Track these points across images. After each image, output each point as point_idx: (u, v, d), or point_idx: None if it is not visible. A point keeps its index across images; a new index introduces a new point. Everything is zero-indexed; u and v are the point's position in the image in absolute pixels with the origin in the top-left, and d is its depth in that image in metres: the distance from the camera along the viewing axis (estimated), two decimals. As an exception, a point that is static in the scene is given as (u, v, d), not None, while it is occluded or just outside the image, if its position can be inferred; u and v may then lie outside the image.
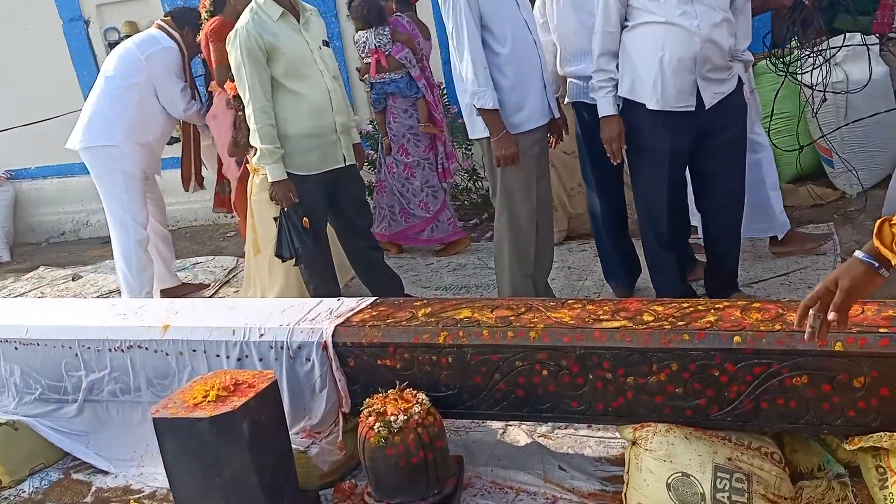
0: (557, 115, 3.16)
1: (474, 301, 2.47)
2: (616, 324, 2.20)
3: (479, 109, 2.95)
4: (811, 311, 1.51)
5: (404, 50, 4.24)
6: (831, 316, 1.46)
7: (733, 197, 3.14)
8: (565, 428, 2.61)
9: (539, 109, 3.02)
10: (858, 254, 1.49)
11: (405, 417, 2.12)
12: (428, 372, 2.32)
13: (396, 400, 2.19)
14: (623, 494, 2.16)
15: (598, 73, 3.02)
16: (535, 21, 3.18)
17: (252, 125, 2.99)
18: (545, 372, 2.22)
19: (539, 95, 3.00)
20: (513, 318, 2.32)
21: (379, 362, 2.34)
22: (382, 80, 4.31)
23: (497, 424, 2.67)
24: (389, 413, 2.14)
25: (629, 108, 3.00)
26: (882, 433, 1.96)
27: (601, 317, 2.26)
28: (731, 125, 3.00)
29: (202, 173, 4.38)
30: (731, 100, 2.97)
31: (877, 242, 1.46)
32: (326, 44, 3.22)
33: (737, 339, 2.05)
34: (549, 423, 2.60)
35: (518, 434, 2.61)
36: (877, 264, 1.47)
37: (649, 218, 3.14)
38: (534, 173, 3.08)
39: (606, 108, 3.01)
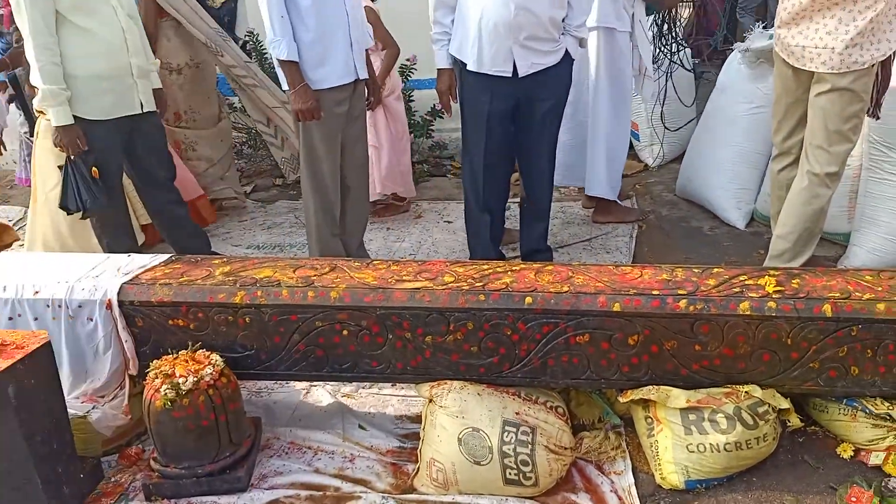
0: (364, 76, 3.07)
1: (277, 260, 2.40)
2: (417, 284, 2.22)
3: (277, 60, 2.84)
4: None
5: None
6: None
7: (543, 168, 3.24)
8: (369, 387, 2.62)
9: (343, 67, 2.93)
10: None
11: (195, 379, 2.03)
12: (224, 332, 2.23)
13: (187, 361, 2.09)
14: (419, 450, 2.20)
15: (434, 25, 3.08)
16: None
17: (33, 63, 2.68)
18: (345, 332, 2.20)
19: (343, 52, 2.91)
20: (315, 278, 2.27)
21: (170, 322, 2.22)
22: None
23: (301, 385, 2.63)
24: (178, 375, 2.03)
25: (459, 67, 3.06)
26: (650, 387, 2.13)
27: (404, 277, 2.27)
28: (548, 97, 3.07)
29: None
30: (552, 72, 3.02)
31: None
32: None
33: (528, 299, 2.14)
34: (354, 383, 2.60)
35: (321, 394, 2.59)
36: None
37: (471, 178, 3.19)
38: (339, 133, 3.01)
39: (441, 60, 3.10)
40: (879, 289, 2.11)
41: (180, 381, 2.02)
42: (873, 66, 2.63)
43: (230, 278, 2.27)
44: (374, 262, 2.39)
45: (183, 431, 2.04)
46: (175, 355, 2.12)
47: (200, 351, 2.15)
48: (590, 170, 3.83)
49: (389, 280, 2.25)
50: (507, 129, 3.10)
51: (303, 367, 2.25)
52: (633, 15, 3.63)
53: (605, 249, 3.64)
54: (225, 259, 2.45)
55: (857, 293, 2.08)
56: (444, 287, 2.20)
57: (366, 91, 3.19)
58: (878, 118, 2.85)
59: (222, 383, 2.11)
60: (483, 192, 3.14)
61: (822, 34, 2.65)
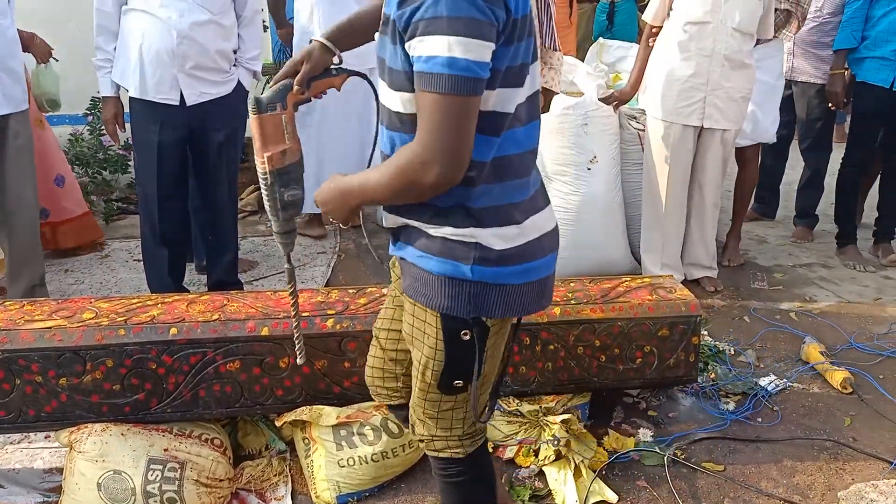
0: (7, 111, 2.84)
1: None
2: (49, 323, 2.07)
3: None
4: (281, 83, 1.51)
5: None
6: (295, 88, 1.49)
7: (223, 198, 3.20)
8: (18, 442, 2.39)
9: None
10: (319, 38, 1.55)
11: None
12: None
13: None
14: (59, 503, 2.03)
15: (97, 52, 2.96)
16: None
17: None
18: (-37, 381, 1.99)
19: None
20: (-73, 323, 2.03)
21: None
22: None
23: (-68, 448, 2.32)
24: None
25: (125, 93, 2.97)
26: (304, 407, 2.17)
27: (35, 317, 2.10)
28: (221, 128, 3.05)
29: None
30: (224, 103, 3.02)
31: None
32: None
33: (173, 330, 2.09)
34: (0, 438, 2.36)
35: (-45, 455, 2.30)
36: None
37: (145, 210, 3.07)
38: None
39: (105, 88, 2.99)
40: (505, 297, 2.34)
41: None
42: None
43: None
44: (5, 303, 2.19)
45: None
46: None
47: None
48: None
49: (18, 321, 2.07)
50: (181, 159, 3.03)
51: (-87, 424, 2.00)
52: None
53: (301, 280, 3.67)
54: None
55: (485, 303, 2.29)
56: (80, 324, 2.07)
57: (29, 126, 2.96)
58: None
59: None
60: (159, 225, 3.03)
61: None
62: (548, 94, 3.09)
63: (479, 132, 1.28)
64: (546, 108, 3.17)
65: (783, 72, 3.96)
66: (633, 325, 2.34)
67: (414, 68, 1.23)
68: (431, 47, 1.19)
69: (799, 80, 4.26)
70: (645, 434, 2.42)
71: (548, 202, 1.49)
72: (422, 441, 1.58)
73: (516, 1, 1.26)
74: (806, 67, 4.20)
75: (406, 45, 1.24)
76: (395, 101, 1.33)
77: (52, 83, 3.71)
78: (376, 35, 1.39)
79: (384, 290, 2.34)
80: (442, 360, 1.45)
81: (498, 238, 1.37)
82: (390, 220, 1.46)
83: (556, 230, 1.50)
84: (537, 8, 2.93)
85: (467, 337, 1.41)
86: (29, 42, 3.48)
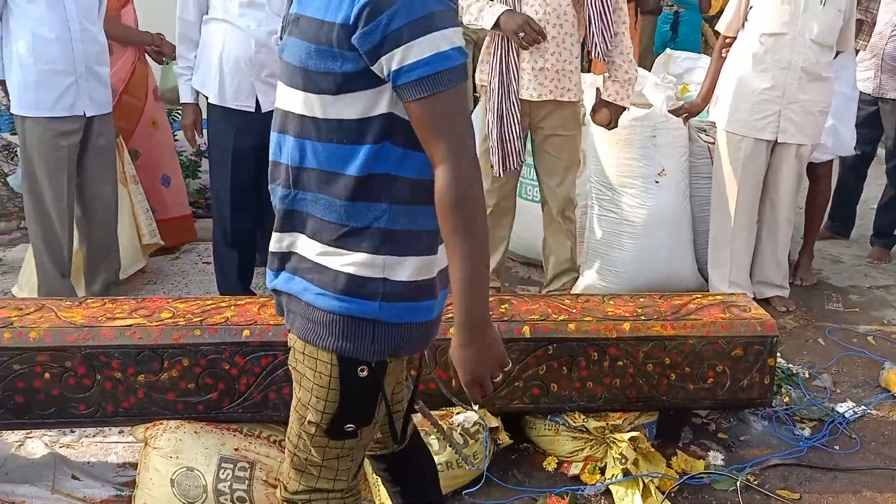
0: (94, 113, 2.98)
1: (-26, 301, 2.21)
2: (129, 321, 2.13)
3: None
4: None
5: None
6: None
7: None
8: (94, 436, 2.47)
9: (64, 99, 2.84)
10: None
11: None
12: None
13: None
14: (133, 497, 2.09)
15: (179, 60, 3.08)
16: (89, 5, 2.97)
17: None
18: (48, 375, 2.06)
19: (64, 84, 2.83)
20: (16, 318, 2.12)
21: None
22: None
23: (14, 437, 2.41)
24: None
25: (207, 101, 3.06)
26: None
27: (117, 315, 2.17)
28: None
29: None
30: None
31: None
32: None
33: (246, 332, 2.13)
34: (76, 432, 2.44)
35: (36, 445, 2.38)
36: None
37: (218, 214, 3.16)
38: (65, 166, 2.88)
39: (185, 95, 3.09)
40: (574, 311, 2.32)
41: None
42: None
43: (-88, 322, 2.06)
44: (87, 301, 2.27)
45: None
46: None
47: None
48: None
49: (100, 318, 2.14)
50: (254, 165, 3.10)
51: (1, 414, 2.08)
52: None
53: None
54: (-87, 302, 2.22)
55: (553, 315, 2.27)
56: (158, 323, 2.13)
57: (112, 128, 3.09)
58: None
59: None
60: (230, 228, 3.11)
61: None
62: (615, 110, 3.03)
63: (411, 148, 1.23)
64: (614, 124, 3.08)
65: (856, 83, 3.83)
66: (705, 343, 2.29)
67: (403, 79, 1.15)
68: (426, 48, 1.13)
69: (888, 97, 4.09)
70: (715, 457, 2.36)
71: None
72: None
73: None
74: (894, 84, 4.05)
75: (384, 57, 1.15)
76: (313, 105, 1.22)
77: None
78: (275, 38, 1.32)
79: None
80: (335, 401, 1.29)
81: (412, 268, 1.26)
82: (280, 241, 1.33)
83: (447, 267, 1.27)
84: (589, 12, 2.84)
85: (364, 373, 1.27)
86: (159, 42, 3.65)
